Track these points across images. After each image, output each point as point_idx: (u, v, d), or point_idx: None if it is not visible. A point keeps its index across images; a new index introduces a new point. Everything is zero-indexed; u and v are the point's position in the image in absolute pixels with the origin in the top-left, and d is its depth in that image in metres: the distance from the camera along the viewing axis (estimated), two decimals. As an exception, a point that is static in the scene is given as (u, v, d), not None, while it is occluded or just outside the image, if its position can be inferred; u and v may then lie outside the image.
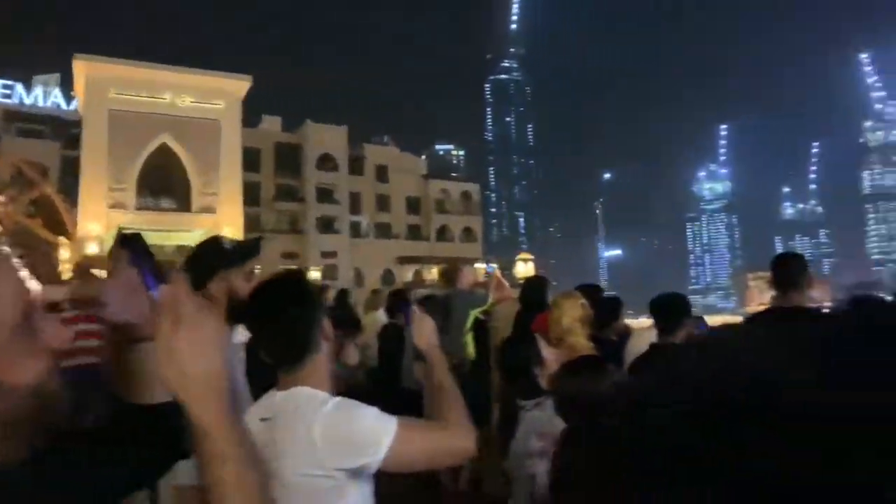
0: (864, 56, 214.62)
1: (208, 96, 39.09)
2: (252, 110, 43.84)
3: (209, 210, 38.43)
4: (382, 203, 51.48)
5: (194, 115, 38.43)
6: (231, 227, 36.29)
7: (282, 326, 1.61)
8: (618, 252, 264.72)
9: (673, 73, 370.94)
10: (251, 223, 40.03)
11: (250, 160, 42.56)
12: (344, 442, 1.49)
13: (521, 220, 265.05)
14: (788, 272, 3.46)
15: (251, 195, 42.16)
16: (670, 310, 3.70)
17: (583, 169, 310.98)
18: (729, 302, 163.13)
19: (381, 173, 51.54)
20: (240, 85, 40.52)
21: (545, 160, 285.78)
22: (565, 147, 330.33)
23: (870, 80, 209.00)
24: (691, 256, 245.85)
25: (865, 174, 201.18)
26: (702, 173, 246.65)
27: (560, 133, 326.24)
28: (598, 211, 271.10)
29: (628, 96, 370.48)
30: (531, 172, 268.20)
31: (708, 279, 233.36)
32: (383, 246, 49.33)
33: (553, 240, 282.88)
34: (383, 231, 50.93)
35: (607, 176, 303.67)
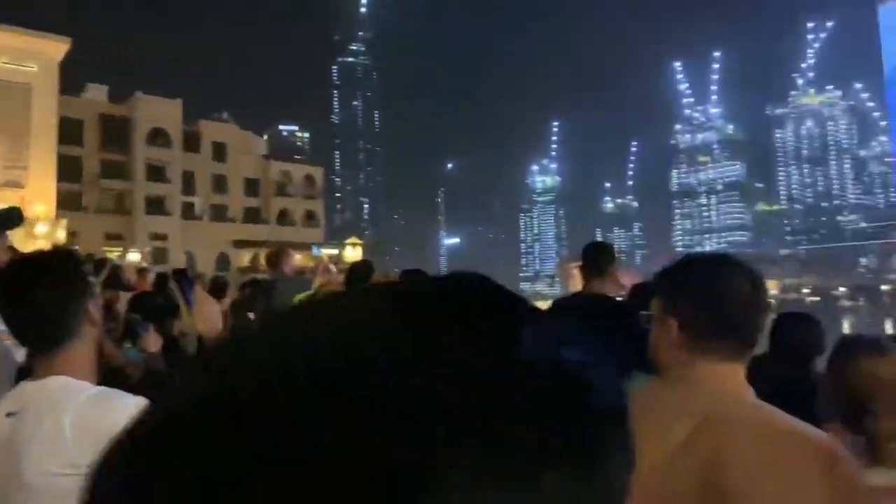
0: (677, 65, 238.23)
1: (18, 57, 35.42)
2: (75, 77, 40.30)
3: (16, 185, 34.97)
4: (219, 183, 49.71)
5: (0, 78, 34.72)
6: (43, 203, 33.43)
7: (33, 309, 1.44)
8: (457, 240, 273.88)
9: (514, 68, 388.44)
10: (71, 200, 37.05)
11: (71, 132, 39.19)
12: (99, 435, 1.25)
13: (366, 206, 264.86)
14: (595, 261, 3.65)
15: (71, 170, 38.92)
16: None
17: (427, 157, 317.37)
18: (555, 288, 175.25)
19: (219, 152, 49.72)
20: (56, 47, 37.03)
21: (391, 147, 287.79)
22: (411, 135, 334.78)
23: (681, 87, 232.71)
24: (523, 245, 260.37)
25: (674, 173, 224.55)
26: (535, 167, 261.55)
27: (406, 121, 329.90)
28: (439, 199, 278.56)
29: (472, 88, 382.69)
30: (377, 158, 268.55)
31: (537, 267, 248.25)
32: (219, 229, 47.71)
33: (397, 227, 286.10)
34: (219, 213, 49.22)
35: (450, 166, 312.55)
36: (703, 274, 1.30)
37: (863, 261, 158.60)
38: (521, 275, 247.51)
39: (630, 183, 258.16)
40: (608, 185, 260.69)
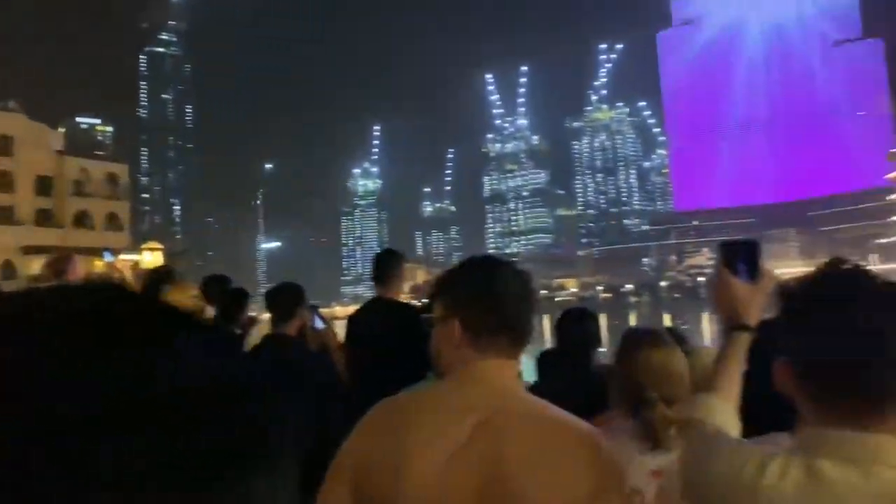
0: (489, 77, 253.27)
1: None
2: None
3: None
4: (4, 181, 45.73)
5: None
6: None
7: None
8: (277, 244, 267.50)
9: (336, 68, 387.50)
10: None
11: None
12: None
13: (177, 207, 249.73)
14: (384, 267, 3.82)
15: None
16: (283, 300, 3.74)
17: (245, 157, 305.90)
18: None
19: (4, 145, 45.91)
20: None
21: (206, 145, 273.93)
22: (228, 133, 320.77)
23: (492, 98, 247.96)
24: (345, 249, 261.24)
25: (486, 179, 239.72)
26: (356, 170, 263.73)
27: (223, 117, 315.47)
28: (258, 202, 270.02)
29: (292, 88, 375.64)
30: (190, 157, 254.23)
31: (360, 270, 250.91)
32: (4, 233, 43.85)
33: (211, 230, 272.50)
34: (4, 215, 45.27)
35: (269, 167, 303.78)
36: (482, 276, 1.35)
37: (645, 260, 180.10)
38: (343, 278, 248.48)
39: (448, 188, 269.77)
40: (427, 189, 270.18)
